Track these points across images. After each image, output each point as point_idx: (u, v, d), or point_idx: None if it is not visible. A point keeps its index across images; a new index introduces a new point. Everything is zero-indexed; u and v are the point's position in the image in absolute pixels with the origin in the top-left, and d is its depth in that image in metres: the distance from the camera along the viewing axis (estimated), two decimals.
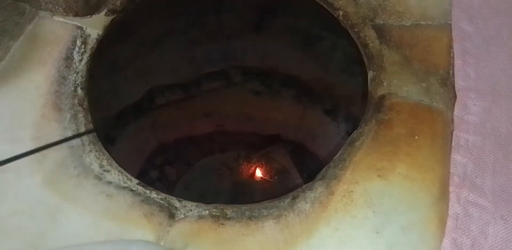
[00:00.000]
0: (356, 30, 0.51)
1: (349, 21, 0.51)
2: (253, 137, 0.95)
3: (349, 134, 0.45)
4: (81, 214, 0.35)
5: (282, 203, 0.38)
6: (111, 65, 0.64)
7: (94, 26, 0.48)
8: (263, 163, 0.95)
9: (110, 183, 0.38)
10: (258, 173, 0.93)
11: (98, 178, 0.38)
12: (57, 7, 0.48)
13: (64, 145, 0.39)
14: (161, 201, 0.37)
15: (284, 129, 0.95)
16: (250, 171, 0.94)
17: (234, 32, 0.83)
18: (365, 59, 0.49)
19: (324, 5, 0.54)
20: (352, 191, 0.38)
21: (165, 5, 0.68)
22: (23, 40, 0.46)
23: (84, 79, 0.45)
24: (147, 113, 0.81)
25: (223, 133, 0.95)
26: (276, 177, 0.94)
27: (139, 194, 0.37)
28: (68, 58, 0.45)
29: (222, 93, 0.90)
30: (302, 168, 0.94)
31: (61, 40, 0.46)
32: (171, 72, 0.83)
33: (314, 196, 0.38)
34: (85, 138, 0.40)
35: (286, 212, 0.37)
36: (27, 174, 0.37)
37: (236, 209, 0.38)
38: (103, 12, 0.49)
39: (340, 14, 0.52)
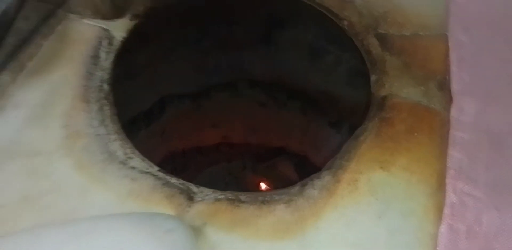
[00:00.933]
0: (360, 38, 0.57)
1: (353, 31, 0.58)
2: (258, 149, 1.00)
3: None
4: (108, 194, 0.40)
5: (292, 190, 0.43)
6: (128, 69, 0.70)
7: (119, 29, 0.55)
8: (268, 174, 1.00)
9: (133, 168, 0.42)
10: (263, 184, 0.97)
11: (123, 163, 0.43)
12: (85, 10, 0.54)
13: (91, 133, 0.44)
14: (180, 186, 0.42)
15: (289, 141, 1.00)
16: (255, 182, 0.98)
17: (243, 44, 0.89)
18: (368, 64, 0.55)
19: (330, 16, 0.60)
20: (356, 180, 0.43)
21: (181, 15, 0.74)
22: (53, 39, 0.52)
23: (109, 76, 0.50)
24: (158, 121, 0.86)
25: (229, 143, 0.99)
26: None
27: (160, 179, 0.42)
28: (95, 56, 0.51)
29: (230, 104, 0.95)
30: None
31: (89, 40, 0.52)
32: (182, 81, 0.88)
33: (322, 184, 0.43)
34: (110, 128, 0.45)
35: (296, 197, 0.42)
36: (58, 158, 0.42)
37: (249, 195, 0.42)
38: (128, 17, 0.56)
39: (345, 24, 0.58)
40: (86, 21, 0.54)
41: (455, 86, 0.52)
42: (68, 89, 0.47)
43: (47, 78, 0.48)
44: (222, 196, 0.42)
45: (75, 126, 0.44)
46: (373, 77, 0.54)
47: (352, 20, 0.58)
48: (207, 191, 0.43)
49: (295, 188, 0.44)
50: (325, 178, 0.44)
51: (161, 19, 0.71)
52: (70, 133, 0.44)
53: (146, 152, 0.48)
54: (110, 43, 0.53)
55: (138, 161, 0.43)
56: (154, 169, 0.43)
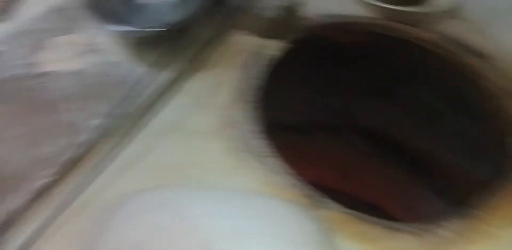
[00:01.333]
0: (500, 101, 0.58)
1: (492, 92, 0.59)
2: (346, 198, 0.99)
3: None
4: (248, 178, 0.45)
5: (420, 226, 0.43)
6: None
7: (274, 48, 0.63)
8: None
9: (269, 165, 0.47)
10: None
11: (262, 158, 0.47)
12: (252, 29, 0.63)
13: (239, 127, 0.50)
14: (308, 191, 0.46)
15: (382, 199, 0.98)
16: None
17: (360, 92, 0.93)
18: (506, 127, 0.56)
19: (470, 74, 0.62)
20: (492, 233, 0.43)
21: (315, 51, 0.81)
22: (223, 47, 0.61)
23: (259, 84, 0.57)
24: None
25: (318, 185, 1.00)
26: None
27: (290, 180, 0.47)
28: (251, 66, 0.59)
29: (330, 147, 0.97)
30: None
31: (249, 53, 0.60)
32: (292, 113, 0.94)
33: (454, 228, 0.43)
34: (254, 127, 0.51)
35: (425, 233, 0.42)
36: (212, 140, 0.49)
37: (376, 219, 0.44)
38: (285, 40, 0.64)
39: (484, 84, 0.60)
40: (250, 37, 0.63)
41: None
42: (226, 88, 0.55)
43: (213, 76, 0.57)
44: (349, 211, 0.44)
45: (228, 118, 0.51)
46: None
47: (493, 81, 0.60)
48: (332, 203, 0.45)
49: (422, 225, 0.44)
50: (458, 223, 0.44)
51: (301, 50, 0.79)
52: (223, 122, 0.50)
53: None
54: (264, 58, 0.61)
55: (274, 161, 0.48)
56: (286, 171, 0.47)
